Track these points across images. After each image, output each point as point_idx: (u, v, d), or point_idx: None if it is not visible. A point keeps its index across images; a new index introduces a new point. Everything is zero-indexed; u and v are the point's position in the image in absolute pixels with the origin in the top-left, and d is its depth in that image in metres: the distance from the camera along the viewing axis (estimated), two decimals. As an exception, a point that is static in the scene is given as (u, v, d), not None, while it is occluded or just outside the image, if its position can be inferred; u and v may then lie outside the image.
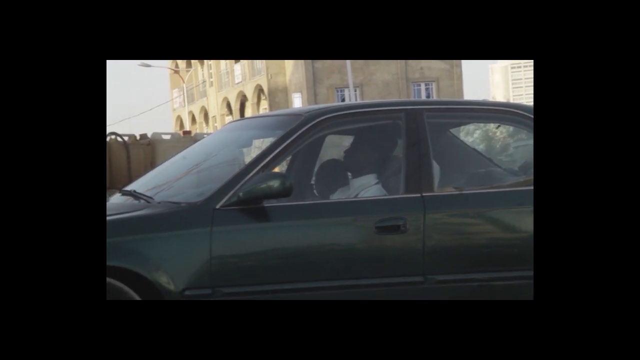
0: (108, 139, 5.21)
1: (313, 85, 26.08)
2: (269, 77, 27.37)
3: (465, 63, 34.11)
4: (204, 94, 33.32)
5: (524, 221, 2.80)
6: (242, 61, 28.85)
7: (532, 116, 2.90)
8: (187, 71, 32.79)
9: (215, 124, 30.14)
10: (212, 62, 31.61)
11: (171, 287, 2.49)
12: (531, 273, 2.68)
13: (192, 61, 32.74)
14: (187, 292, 2.51)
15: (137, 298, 2.49)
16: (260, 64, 28.15)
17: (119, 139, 5.07)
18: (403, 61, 26.67)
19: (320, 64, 25.75)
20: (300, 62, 25.65)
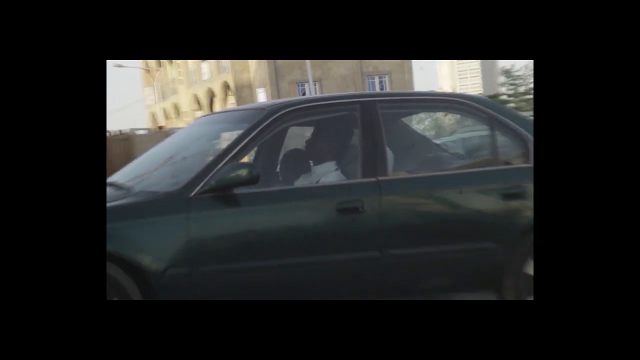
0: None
1: (275, 81, 28.00)
2: (234, 74, 28.72)
3: (415, 56, 35.49)
4: (175, 91, 35.17)
5: (470, 200, 3.13)
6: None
7: (478, 104, 3.23)
8: (158, 70, 34.28)
9: (187, 119, 31.15)
10: (180, 61, 32.85)
11: (153, 267, 2.72)
12: (476, 245, 3.03)
13: (162, 61, 33.84)
14: (168, 271, 2.75)
15: (123, 279, 2.71)
16: (226, 62, 29.48)
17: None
18: (359, 56, 28.45)
19: (281, 61, 27.28)
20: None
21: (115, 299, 2.73)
